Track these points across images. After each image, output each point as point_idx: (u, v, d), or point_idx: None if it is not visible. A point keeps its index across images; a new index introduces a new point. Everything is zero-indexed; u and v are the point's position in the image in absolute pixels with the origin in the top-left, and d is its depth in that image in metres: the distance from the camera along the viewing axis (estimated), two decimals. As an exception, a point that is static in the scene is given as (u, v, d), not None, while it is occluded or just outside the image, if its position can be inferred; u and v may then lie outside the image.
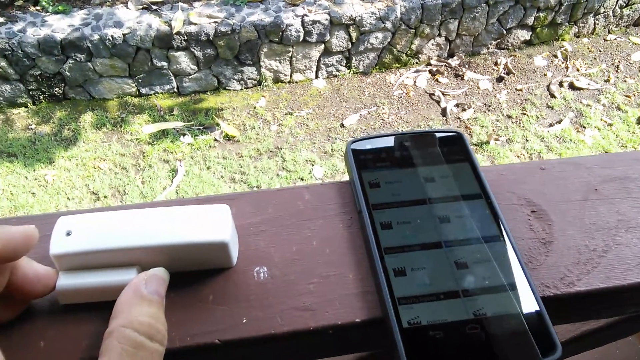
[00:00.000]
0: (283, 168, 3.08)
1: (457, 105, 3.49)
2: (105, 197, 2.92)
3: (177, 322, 0.34)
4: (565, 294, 0.37)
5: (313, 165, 3.09)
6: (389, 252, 0.37)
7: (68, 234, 0.35)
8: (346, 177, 0.43)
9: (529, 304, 0.35)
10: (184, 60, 3.28)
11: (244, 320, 0.35)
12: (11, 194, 2.90)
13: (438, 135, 0.45)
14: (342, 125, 3.34)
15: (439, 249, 0.38)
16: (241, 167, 3.06)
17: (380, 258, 0.37)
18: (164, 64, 3.28)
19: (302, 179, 3.00)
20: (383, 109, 3.46)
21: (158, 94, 3.42)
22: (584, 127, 3.35)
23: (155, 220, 0.36)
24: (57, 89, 3.28)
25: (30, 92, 3.26)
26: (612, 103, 3.52)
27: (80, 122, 3.26)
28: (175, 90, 3.43)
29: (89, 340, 0.34)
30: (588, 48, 3.91)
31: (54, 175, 3.01)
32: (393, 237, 0.38)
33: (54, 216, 0.37)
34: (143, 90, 3.39)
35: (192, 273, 0.37)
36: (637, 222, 0.41)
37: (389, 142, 0.44)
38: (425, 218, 0.39)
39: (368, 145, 0.44)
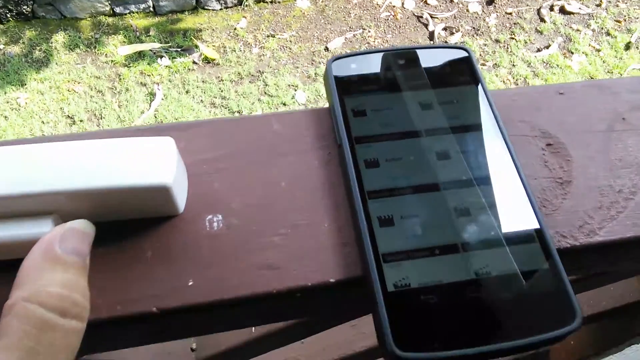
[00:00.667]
0: (265, 93, 2.96)
1: (445, 29, 3.35)
2: (81, 121, 2.80)
3: (105, 287, 0.27)
4: (584, 245, 0.30)
5: (296, 90, 2.98)
6: (374, 195, 0.30)
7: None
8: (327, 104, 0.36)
9: (543, 261, 0.28)
10: (159, -23, 3.07)
11: (190, 283, 0.28)
12: (-19, 118, 2.77)
13: (439, 51, 0.37)
14: (327, 49, 3.20)
15: (435, 192, 0.31)
16: (221, 91, 2.94)
17: (362, 203, 0.29)
18: (138, -20, 3.07)
19: (284, 104, 2.90)
20: (369, 31, 3.31)
21: (133, 13, 3.22)
22: (572, 53, 3.26)
23: (79, 158, 0.28)
24: (25, 7, 3.07)
25: (-4, 10, 3.06)
26: (602, 28, 3.41)
27: (51, 43, 3.07)
28: (152, 9, 3.24)
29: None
30: (584, -32, 3.73)
31: (26, 99, 2.87)
32: (379, 178, 0.31)
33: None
34: (117, 10, 3.19)
35: (127, 223, 0.29)
36: (670, 157, 0.34)
37: (379, 60, 0.36)
38: (420, 154, 0.32)
39: (353, 63, 0.35)
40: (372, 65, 0.35)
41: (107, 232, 0.29)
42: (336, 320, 0.42)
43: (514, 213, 0.30)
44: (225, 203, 0.31)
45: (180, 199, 0.30)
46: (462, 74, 0.35)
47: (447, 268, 0.28)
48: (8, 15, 3.09)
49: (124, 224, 0.29)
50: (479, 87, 0.35)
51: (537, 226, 0.29)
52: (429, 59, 0.36)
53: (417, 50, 0.36)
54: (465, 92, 0.35)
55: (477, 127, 0.33)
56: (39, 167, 0.27)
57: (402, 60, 0.35)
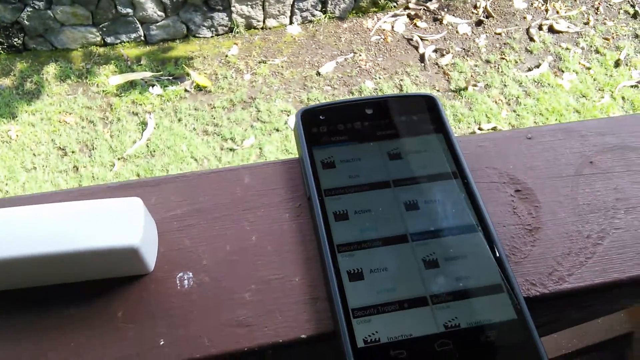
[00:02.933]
0: (257, 119, 2.98)
1: (435, 51, 3.39)
2: (73, 152, 2.81)
3: (76, 347, 0.27)
4: (553, 292, 0.31)
5: (288, 116, 2.99)
6: (344, 249, 0.30)
7: None
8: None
9: (511, 311, 0.29)
10: (150, 7, 3.10)
11: (162, 342, 0.28)
12: (-28, 151, 2.77)
13: (407, 100, 0.37)
14: (318, 74, 3.23)
15: (404, 244, 0.31)
16: (214, 118, 2.96)
17: (332, 257, 0.30)
18: (129, 10, 3.10)
19: (277, 130, 2.91)
20: (360, 55, 3.34)
21: (124, 43, 3.25)
22: (562, 71, 3.29)
23: (47, 221, 0.28)
24: (15, 39, 3.10)
25: (-12, 43, 3.08)
26: (591, 46, 3.46)
27: (43, 74, 3.09)
28: (142, 38, 3.27)
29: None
30: (569, -11, 3.79)
31: (17, 131, 2.88)
32: (348, 231, 0.31)
33: None
34: (108, 40, 3.21)
35: (98, 282, 0.30)
36: (638, 200, 0.35)
37: (348, 110, 0.36)
38: (389, 205, 0.32)
39: (322, 115, 0.36)
40: (341, 116, 0.36)
41: (80, 293, 0.29)
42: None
43: (482, 263, 0.30)
44: (195, 260, 0.31)
45: (150, 258, 0.30)
46: (429, 122, 0.36)
47: (417, 322, 0.28)
48: None
49: (96, 285, 0.30)
50: (446, 135, 0.35)
51: (505, 276, 0.30)
52: (397, 108, 0.36)
53: (385, 100, 0.37)
54: (432, 141, 0.35)
55: (445, 176, 0.34)
56: (8, 231, 0.28)
57: (370, 110, 0.36)
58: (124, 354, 0.27)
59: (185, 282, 0.30)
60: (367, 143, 0.35)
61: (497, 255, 0.30)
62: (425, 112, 0.36)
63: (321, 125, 0.35)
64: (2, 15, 2.95)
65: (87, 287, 0.29)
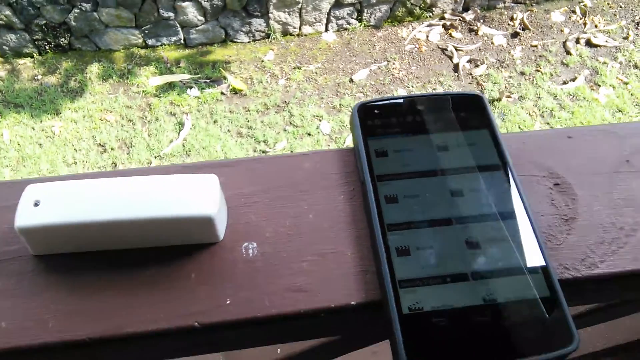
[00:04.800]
0: (290, 123, 3.03)
1: (469, 61, 3.39)
2: (112, 149, 2.89)
3: (154, 302, 0.31)
4: (585, 277, 0.33)
5: (320, 121, 3.03)
6: (393, 228, 0.33)
7: (36, 204, 0.31)
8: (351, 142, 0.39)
9: (545, 290, 0.31)
10: (191, 11, 3.18)
11: (228, 302, 0.31)
12: (18, 144, 2.88)
13: (455, 98, 0.40)
14: (351, 81, 3.27)
15: (449, 226, 0.34)
16: (248, 121, 3.02)
17: (382, 235, 0.33)
18: (171, 14, 3.19)
19: (309, 134, 2.96)
20: (394, 64, 3.37)
21: (164, 45, 3.34)
22: (599, 86, 3.26)
23: (134, 191, 0.32)
24: (62, 39, 3.21)
25: (36, 42, 3.19)
26: (630, 61, 3.41)
27: (86, 74, 3.20)
28: (182, 42, 3.35)
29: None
30: (608, 3, 3.76)
31: (60, 127, 2.98)
32: (398, 212, 0.34)
33: (22, 183, 0.33)
34: (149, 42, 3.31)
35: (174, 248, 0.33)
36: (670, 198, 0.37)
37: (400, 105, 0.40)
38: (436, 191, 0.35)
39: (377, 108, 0.39)
40: (394, 110, 0.39)
41: (158, 256, 0.33)
42: (358, 343, 0.45)
43: (521, 246, 0.33)
44: (259, 232, 0.34)
45: (221, 228, 0.34)
46: (476, 118, 0.39)
47: (458, 294, 0.31)
48: (47, 47, 3.23)
49: (172, 249, 0.33)
50: (492, 130, 0.38)
51: (541, 259, 0.32)
52: (446, 104, 0.39)
53: (436, 97, 0.40)
54: (478, 135, 0.38)
55: (489, 168, 0.36)
56: (101, 199, 0.32)
57: (421, 106, 0.39)
58: (196, 310, 0.31)
59: (250, 251, 0.34)
60: (418, 135, 0.38)
61: (534, 239, 0.33)
62: (472, 109, 0.39)
63: (376, 118, 0.39)
64: (51, 16, 3.07)
65: (167, 251, 0.33)
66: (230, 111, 3.06)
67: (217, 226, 0.33)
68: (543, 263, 0.32)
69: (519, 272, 0.32)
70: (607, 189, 0.37)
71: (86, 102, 3.06)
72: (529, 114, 3.11)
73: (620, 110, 3.14)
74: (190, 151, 2.89)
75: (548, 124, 3.07)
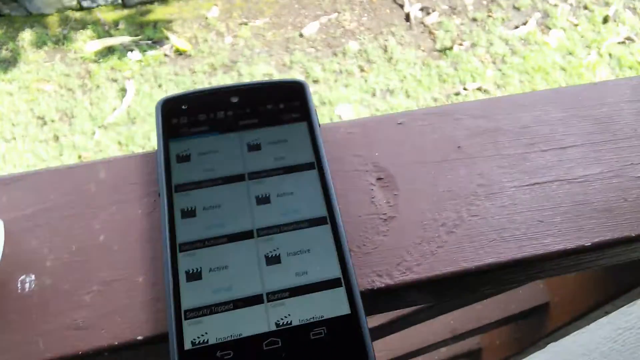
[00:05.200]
0: (239, 83, 2.94)
1: (421, 9, 3.32)
2: (52, 120, 2.79)
3: None
4: (399, 284, 0.31)
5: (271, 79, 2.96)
6: (185, 248, 0.30)
7: None
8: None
9: (346, 307, 0.29)
10: (126, -32, 3.03)
11: (-5, 349, 0.28)
12: (-49, 122, 2.75)
13: (274, 86, 0.36)
14: (301, 35, 3.18)
15: (249, 240, 0.31)
16: (195, 83, 2.92)
17: (171, 257, 0.30)
18: (105, -27, 3.03)
19: (259, 94, 2.88)
20: (344, 15, 3.28)
21: (101, 6, 3.19)
22: (549, 28, 3.24)
23: None
24: (-10, 6, 3.04)
25: (-38, 10, 3.01)
26: (580, 2, 3.39)
27: (18, 41, 3.04)
28: (120, 1, 3.20)
29: None
30: (559, -60, 3.69)
31: (-5, 100, 2.85)
32: (194, 228, 0.31)
33: None
34: (84, 3, 3.15)
35: None
36: (500, 186, 0.34)
37: (212, 99, 0.36)
38: (239, 200, 0.32)
39: (185, 104, 0.35)
40: (204, 105, 0.35)
41: None
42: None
43: (323, 257, 0.30)
44: (40, 261, 0.31)
45: (-9, 261, 0.30)
46: (295, 110, 0.35)
47: (249, 321, 0.28)
48: (-26, 15, 3.05)
49: None
50: (310, 122, 0.34)
51: (343, 270, 0.29)
52: (263, 95, 0.36)
53: (252, 88, 0.36)
54: (295, 130, 0.34)
55: (303, 167, 0.33)
56: None
57: (235, 98, 0.35)
58: (-41, 359, 0.28)
59: (27, 284, 0.30)
60: (227, 134, 0.34)
61: (341, 249, 0.30)
62: (292, 99, 0.35)
63: (182, 115, 0.35)
64: (-27, -19, 2.89)
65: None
66: (175, 74, 2.96)
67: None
68: (345, 275, 0.29)
69: (319, 288, 0.29)
70: (432, 181, 0.34)
71: (20, 72, 2.92)
72: (481, 61, 3.08)
73: (570, 53, 3.13)
74: (135, 119, 2.80)
75: (500, 70, 3.05)
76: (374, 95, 2.94)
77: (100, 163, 0.34)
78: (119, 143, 2.73)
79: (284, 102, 0.35)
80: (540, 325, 0.65)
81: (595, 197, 0.33)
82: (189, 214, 0.31)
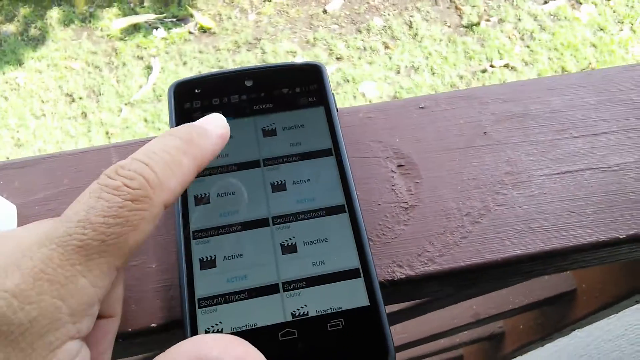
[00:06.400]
0: (263, 60, 2.93)
1: (448, -17, 3.24)
2: (80, 98, 2.82)
3: None
4: (420, 275, 0.30)
5: (294, 57, 2.93)
6: (200, 235, 0.29)
7: None
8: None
9: (364, 299, 0.28)
10: (150, -55, 3.01)
11: None
12: (-18, 99, 2.80)
13: (291, 70, 0.35)
14: (325, 11, 3.14)
15: (264, 228, 0.30)
16: (219, 61, 2.92)
17: (185, 245, 0.29)
18: (129, -50, 3.02)
19: (283, 72, 2.86)
20: (369, -10, 3.22)
21: (127, -16, 3.18)
22: (580, 3, 3.13)
23: None
24: (18, -17, 3.06)
25: (-9, -12, 3.04)
26: (615, -25, 3.26)
27: (46, 19, 3.06)
28: (145, -21, 3.19)
29: None
30: None
31: (25, 78, 2.89)
32: (208, 215, 0.30)
33: None
34: (110, -19, 3.15)
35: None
36: (529, 174, 0.33)
37: (226, 82, 0.34)
38: (255, 186, 0.31)
39: (197, 87, 0.34)
40: (218, 88, 0.34)
41: None
42: None
43: (342, 247, 0.29)
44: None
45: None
46: (312, 94, 0.34)
47: (264, 310, 0.28)
48: (2, -7, 3.08)
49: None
50: (327, 107, 0.33)
51: (363, 261, 0.28)
52: (279, 79, 0.34)
53: (267, 71, 0.35)
54: (312, 115, 0.33)
55: (320, 154, 0.32)
56: None
57: (250, 82, 0.34)
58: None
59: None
60: (242, 119, 0.33)
61: (360, 238, 0.29)
62: (309, 83, 0.34)
63: (195, 99, 0.34)
64: (1, -41, 2.91)
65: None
66: (199, 51, 2.96)
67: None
68: (365, 267, 0.28)
69: (337, 279, 0.28)
70: (457, 168, 0.33)
71: (49, 50, 2.95)
72: (509, 37, 3.00)
73: (602, 29, 3.03)
74: (161, 96, 2.81)
75: (528, 47, 2.97)
76: (398, 72, 2.90)
77: (112, 147, 0.33)
78: (145, 120, 2.75)
79: (300, 85, 0.34)
80: (566, 312, 0.64)
81: (631, 187, 0.31)
82: (202, 200, 0.31)
